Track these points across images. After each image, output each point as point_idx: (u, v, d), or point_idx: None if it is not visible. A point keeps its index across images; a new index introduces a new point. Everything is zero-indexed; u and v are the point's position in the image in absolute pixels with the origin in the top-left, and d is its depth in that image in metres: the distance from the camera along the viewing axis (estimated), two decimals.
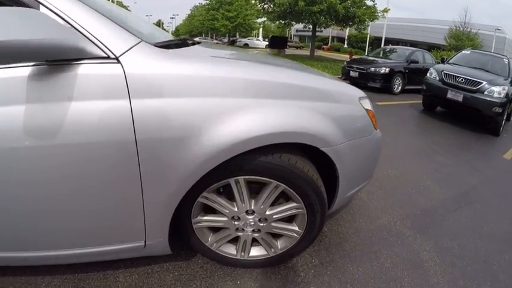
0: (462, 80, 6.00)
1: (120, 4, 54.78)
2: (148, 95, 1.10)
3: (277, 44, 22.30)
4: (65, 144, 1.06)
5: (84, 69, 1.06)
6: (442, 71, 6.51)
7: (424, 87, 6.91)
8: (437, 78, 6.54)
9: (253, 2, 24.00)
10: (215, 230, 1.58)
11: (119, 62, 1.08)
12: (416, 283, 1.76)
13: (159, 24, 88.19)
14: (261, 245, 1.62)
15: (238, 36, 44.15)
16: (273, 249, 1.61)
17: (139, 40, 1.18)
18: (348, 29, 20.20)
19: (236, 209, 1.44)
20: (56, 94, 1.05)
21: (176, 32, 79.38)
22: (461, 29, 27.79)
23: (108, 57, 1.08)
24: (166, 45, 1.34)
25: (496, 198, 3.02)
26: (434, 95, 6.60)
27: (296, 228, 1.56)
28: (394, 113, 6.61)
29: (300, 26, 20.89)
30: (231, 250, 1.62)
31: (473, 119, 6.21)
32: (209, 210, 1.48)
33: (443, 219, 2.48)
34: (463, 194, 2.99)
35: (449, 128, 5.79)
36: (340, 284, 1.68)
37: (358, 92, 1.74)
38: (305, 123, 1.33)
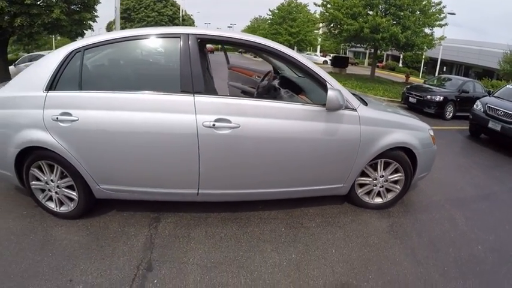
0: (501, 112, 7.39)
1: (185, 13, 58.06)
2: (365, 124, 3.20)
3: (339, 63, 24.96)
4: (336, 139, 3.14)
5: (346, 112, 3.13)
6: (486, 103, 7.95)
7: (471, 117, 8.45)
8: (482, 110, 8.03)
9: (319, 25, 25.58)
10: (361, 185, 3.68)
11: (356, 110, 3.21)
12: (452, 239, 3.75)
13: None
14: (380, 196, 3.72)
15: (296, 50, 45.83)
16: (385, 198, 3.73)
17: (360, 104, 3.27)
18: None
19: (377, 175, 3.57)
20: (336, 120, 3.09)
21: None
22: None
23: (353, 109, 3.19)
24: (364, 103, 3.43)
25: None
26: (478, 124, 8.12)
27: (398, 187, 3.67)
28: (444, 137, 8.23)
29: None
30: (365, 198, 3.74)
31: (509, 146, 7.38)
32: (361, 174, 3.58)
33: (473, 201, 4.41)
34: (486, 195, 4.72)
35: (487, 152, 7.25)
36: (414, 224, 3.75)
37: (428, 126, 3.82)
38: (410, 140, 3.45)
